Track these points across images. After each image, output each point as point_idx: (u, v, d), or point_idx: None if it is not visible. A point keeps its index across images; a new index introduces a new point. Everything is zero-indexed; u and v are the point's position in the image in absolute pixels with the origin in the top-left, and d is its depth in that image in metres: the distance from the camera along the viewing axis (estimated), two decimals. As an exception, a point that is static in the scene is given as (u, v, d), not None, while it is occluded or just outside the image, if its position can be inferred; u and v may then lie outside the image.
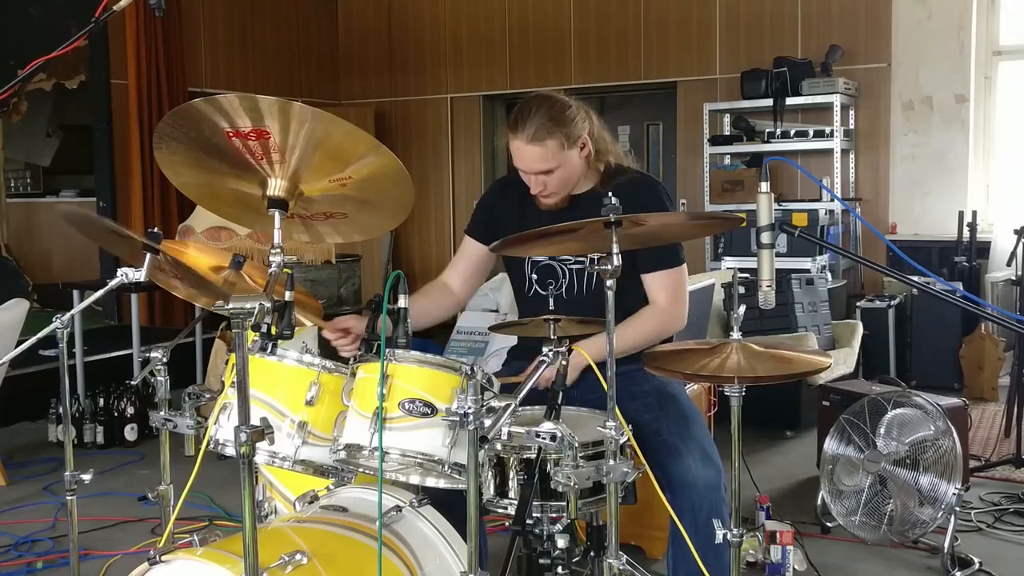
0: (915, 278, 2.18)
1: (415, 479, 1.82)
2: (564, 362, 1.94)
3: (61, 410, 2.24)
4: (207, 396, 2.14)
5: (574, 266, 2.43)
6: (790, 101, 6.29)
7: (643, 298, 2.47)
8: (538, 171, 2.32)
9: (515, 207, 2.49)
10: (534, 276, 2.49)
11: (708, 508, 2.17)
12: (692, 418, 2.35)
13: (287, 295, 1.74)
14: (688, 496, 2.20)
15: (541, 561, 1.92)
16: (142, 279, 2.05)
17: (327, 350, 2.19)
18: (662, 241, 2.24)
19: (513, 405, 1.75)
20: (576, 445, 1.78)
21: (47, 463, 4.39)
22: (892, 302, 5.58)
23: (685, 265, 2.45)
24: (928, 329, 5.50)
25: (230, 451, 1.90)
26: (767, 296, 1.94)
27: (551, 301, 2.11)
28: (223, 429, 1.94)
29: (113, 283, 2.09)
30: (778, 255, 1.97)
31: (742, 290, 4.91)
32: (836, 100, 6.13)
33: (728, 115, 6.70)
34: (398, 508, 1.96)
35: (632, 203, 2.12)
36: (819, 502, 3.39)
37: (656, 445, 2.25)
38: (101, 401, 4.70)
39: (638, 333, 2.34)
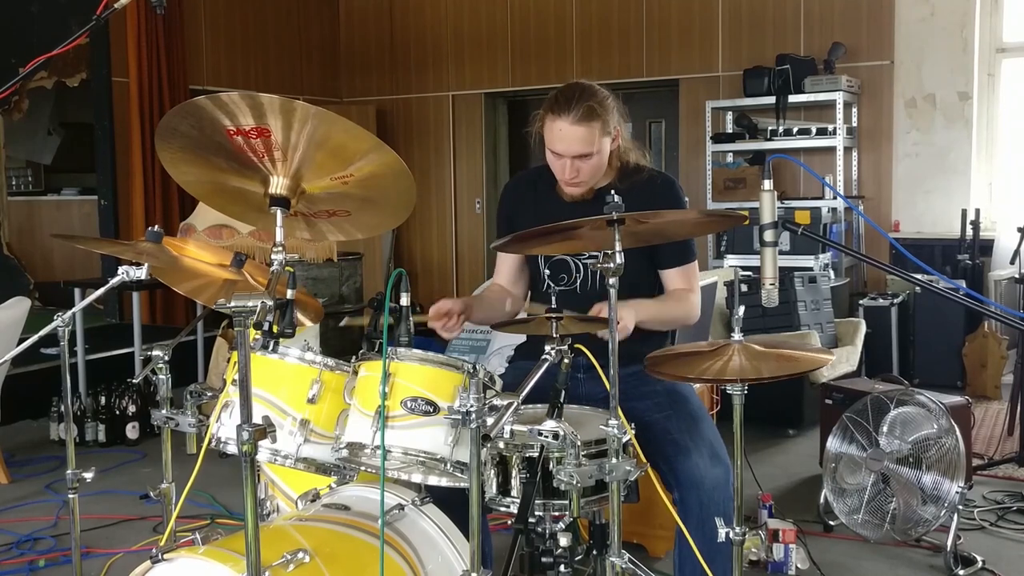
0: (918, 276, 2.18)
1: (417, 477, 1.82)
2: (567, 361, 1.94)
3: (63, 408, 2.24)
4: (209, 394, 2.14)
5: (587, 261, 2.43)
6: (793, 99, 6.28)
7: (650, 294, 2.48)
8: (577, 154, 2.31)
9: (530, 204, 2.50)
10: (547, 271, 2.49)
11: (716, 506, 2.17)
12: (702, 418, 2.35)
13: (289, 293, 1.73)
14: (696, 494, 2.20)
15: (543, 559, 1.92)
16: (143, 277, 2.05)
17: (329, 348, 2.19)
18: (665, 239, 2.24)
19: (515, 403, 1.74)
20: (578, 443, 1.77)
21: (49, 461, 4.39)
22: (895, 300, 5.58)
23: (696, 259, 2.50)
24: (931, 327, 5.49)
25: (232, 449, 1.90)
26: (770, 294, 1.93)
27: (553, 300, 2.10)
28: (225, 427, 1.94)
29: (114, 281, 2.09)
30: (781, 253, 1.96)
31: (744, 288, 4.92)
32: (839, 98, 6.12)
33: (730, 113, 6.69)
34: (400, 507, 1.96)
35: (650, 201, 2.13)
36: (822, 500, 3.39)
37: (666, 444, 2.25)
38: (103, 399, 4.70)
39: (669, 308, 2.40)
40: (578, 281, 2.46)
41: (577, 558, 1.97)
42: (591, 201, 2.38)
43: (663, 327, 2.45)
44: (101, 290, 2.16)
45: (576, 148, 2.30)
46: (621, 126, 2.39)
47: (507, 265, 2.63)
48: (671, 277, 2.46)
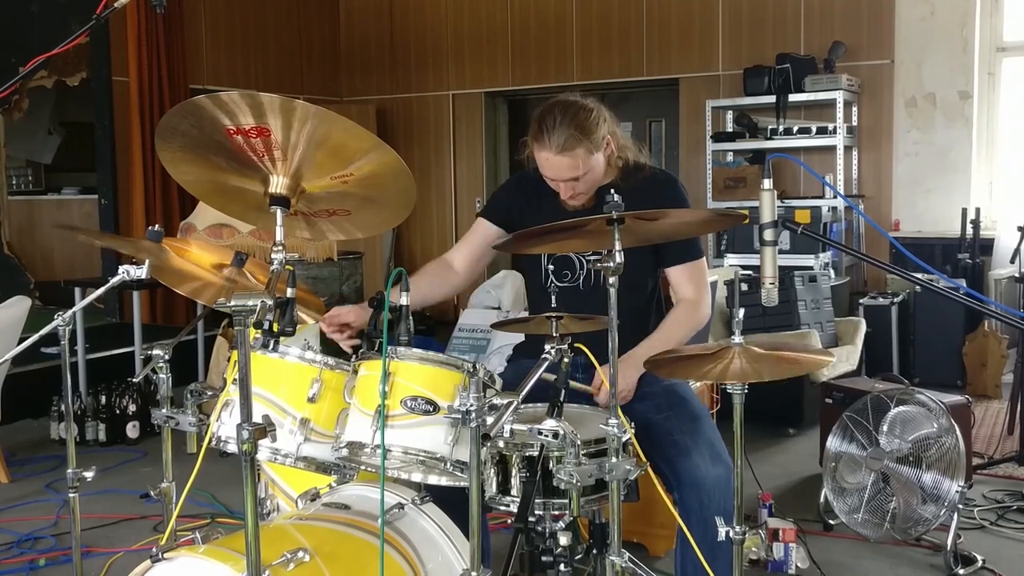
0: (918, 275, 2.18)
1: (417, 477, 1.82)
2: (567, 360, 1.94)
3: (63, 407, 2.24)
4: (209, 393, 2.14)
5: (592, 257, 2.43)
6: (793, 98, 6.28)
7: (653, 292, 2.48)
8: (566, 178, 2.33)
9: (532, 203, 2.50)
10: (550, 267, 2.50)
11: (717, 506, 2.17)
12: (702, 418, 2.35)
13: (289, 292, 1.74)
14: (697, 494, 2.20)
15: (543, 559, 1.92)
16: (143, 276, 2.05)
17: (329, 347, 2.19)
18: (666, 238, 2.24)
19: (515, 402, 1.74)
20: (578, 442, 1.77)
21: (49, 460, 4.39)
22: (895, 299, 5.58)
23: (704, 257, 2.49)
24: (931, 326, 5.49)
25: (232, 448, 1.90)
26: (770, 293, 1.93)
27: (553, 298, 2.10)
28: (225, 426, 1.94)
29: (115, 280, 2.09)
30: (781, 252, 1.96)
31: (745, 288, 4.92)
32: (839, 97, 6.12)
33: (731, 112, 6.69)
34: (400, 506, 1.96)
35: (652, 200, 2.13)
36: (822, 499, 3.39)
37: (666, 445, 2.25)
38: (103, 398, 4.70)
39: (680, 332, 2.39)
40: (580, 278, 2.47)
41: (577, 557, 1.97)
42: (593, 208, 2.40)
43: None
44: (101, 289, 2.16)
45: (564, 174, 2.32)
46: (614, 132, 2.39)
47: (477, 243, 2.56)
48: (677, 275, 2.46)
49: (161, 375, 2.17)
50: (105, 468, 4.17)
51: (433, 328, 6.94)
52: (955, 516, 3.06)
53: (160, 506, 2.22)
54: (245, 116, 1.61)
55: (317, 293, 2.52)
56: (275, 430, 1.58)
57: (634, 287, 2.33)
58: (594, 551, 2.02)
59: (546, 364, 1.91)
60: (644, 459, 1.95)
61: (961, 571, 3.00)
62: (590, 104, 2.36)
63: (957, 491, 3.04)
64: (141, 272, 2.04)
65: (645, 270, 2.44)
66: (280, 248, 1.72)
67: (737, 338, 1.89)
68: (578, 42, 7.45)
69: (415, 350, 1.81)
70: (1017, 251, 4.65)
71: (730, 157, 6.72)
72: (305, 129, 1.63)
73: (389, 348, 1.78)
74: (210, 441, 1.93)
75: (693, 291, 2.45)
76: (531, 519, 1.89)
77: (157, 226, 2.11)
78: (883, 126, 6.44)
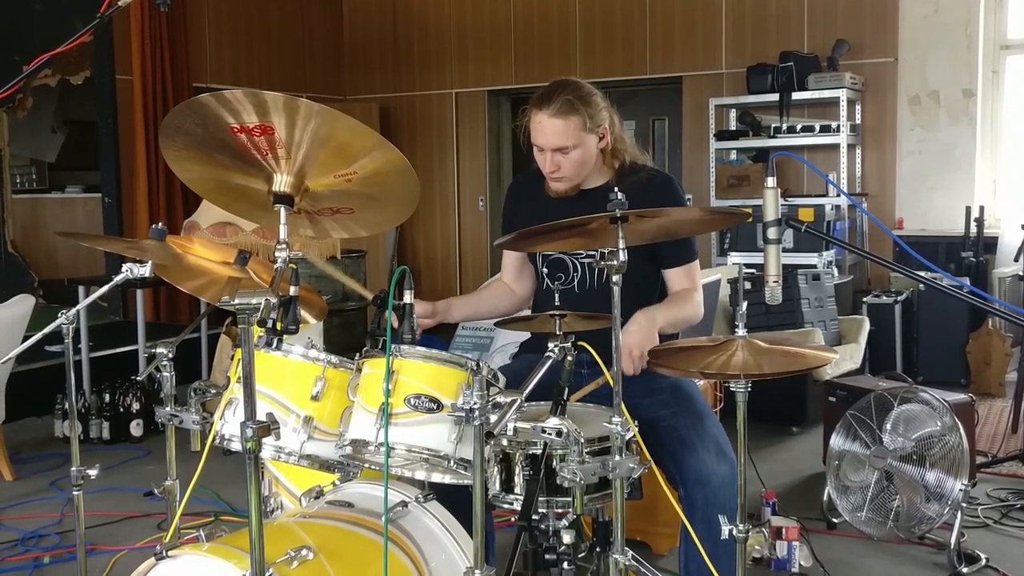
0: (922, 273, 2.17)
1: (421, 475, 1.82)
2: (570, 358, 1.94)
3: (67, 406, 2.25)
4: (213, 391, 2.14)
5: (585, 260, 2.43)
6: (796, 96, 6.27)
7: (652, 292, 2.48)
8: (556, 147, 2.33)
9: (530, 204, 2.50)
10: (544, 270, 2.50)
11: (722, 503, 2.17)
12: (707, 414, 2.36)
13: (292, 290, 1.73)
14: (703, 491, 2.20)
15: (547, 556, 1.92)
16: (147, 275, 2.05)
17: (333, 345, 2.19)
18: (669, 236, 2.24)
19: (519, 400, 1.74)
20: (582, 441, 1.77)
21: (53, 458, 4.40)
22: (899, 298, 5.58)
23: (698, 259, 2.50)
24: (935, 325, 5.48)
25: (236, 446, 1.90)
26: (773, 292, 1.93)
27: (557, 297, 2.10)
28: (229, 424, 1.94)
29: (118, 279, 2.10)
30: (784, 250, 1.96)
31: (748, 286, 4.90)
32: (842, 95, 6.11)
33: (734, 110, 6.68)
34: (404, 503, 1.96)
35: (647, 200, 2.12)
36: (825, 498, 3.39)
37: (672, 441, 2.25)
38: (107, 397, 4.71)
39: (680, 308, 2.39)
40: (575, 280, 2.46)
41: (580, 555, 1.97)
42: (580, 200, 2.39)
43: (674, 330, 2.44)
44: (105, 287, 2.16)
45: (554, 141, 2.32)
46: (612, 124, 2.39)
47: (509, 262, 2.65)
48: (674, 276, 2.46)
49: (165, 373, 2.18)
50: (109, 466, 4.18)
51: (436, 326, 6.94)
52: (959, 514, 3.06)
53: (164, 504, 2.23)
54: (249, 114, 1.61)
55: (320, 292, 2.52)
56: (279, 428, 1.58)
57: (634, 288, 2.32)
58: (597, 549, 2.02)
59: (549, 362, 1.91)
60: (648, 457, 1.95)
61: (965, 569, 3.00)
62: (596, 90, 2.39)
63: (961, 489, 3.04)
64: (144, 270, 2.05)
65: (644, 271, 2.44)
66: (284, 246, 1.72)
67: (741, 331, 1.89)
68: (581, 40, 7.45)
69: (419, 348, 1.81)
70: (1021, 249, 4.65)
71: (733, 155, 6.71)
72: (309, 127, 1.63)
73: (393, 346, 1.78)
74: (214, 439, 1.93)
75: (688, 285, 2.47)
76: (534, 517, 1.89)
77: (160, 224, 2.11)
78: (887, 124, 6.43)
